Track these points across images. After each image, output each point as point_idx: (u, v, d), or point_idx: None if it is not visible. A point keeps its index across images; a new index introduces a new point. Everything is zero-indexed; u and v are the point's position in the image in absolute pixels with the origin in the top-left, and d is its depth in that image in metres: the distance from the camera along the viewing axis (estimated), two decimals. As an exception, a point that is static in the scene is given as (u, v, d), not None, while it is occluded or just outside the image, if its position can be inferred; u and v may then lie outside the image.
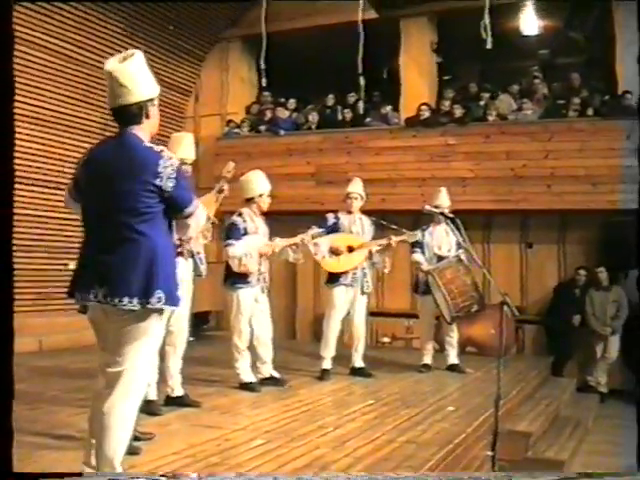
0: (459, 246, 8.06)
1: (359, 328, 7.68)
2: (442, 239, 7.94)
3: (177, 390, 5.92)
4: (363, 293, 7.62)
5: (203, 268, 5.85)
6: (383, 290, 11.48)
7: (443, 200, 8.05)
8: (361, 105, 11.37)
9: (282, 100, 12.58)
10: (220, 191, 5.82)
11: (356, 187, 7.71)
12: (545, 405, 7.67)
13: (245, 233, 6.67)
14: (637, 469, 5.24)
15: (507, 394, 7.08)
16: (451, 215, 7.54)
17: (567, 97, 10.76)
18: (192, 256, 5.74)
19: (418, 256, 8.03)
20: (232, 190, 6.11)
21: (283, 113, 12.12)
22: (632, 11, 10.19)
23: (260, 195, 6.77)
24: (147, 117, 3.60)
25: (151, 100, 3.62)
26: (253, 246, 6.64)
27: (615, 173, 9.83)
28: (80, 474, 3.61)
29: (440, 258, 7.91)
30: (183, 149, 5.50)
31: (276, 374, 7.00)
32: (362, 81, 10.47)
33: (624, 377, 10.05)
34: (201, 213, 3.71)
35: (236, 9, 12.48)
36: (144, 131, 3.61)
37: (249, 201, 6.81)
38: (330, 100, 12.15)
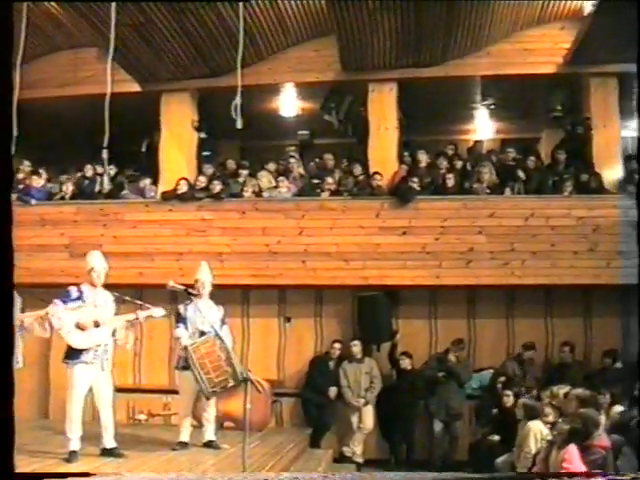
0: (223, 321, 8.08)
1: (105, 407, 7.32)
2: (205, 314, 7.84)
3: None
4: (103, 370, 7.29)
5: None
6: (140, 366, 11.20)
7: (203, 274, 8.09)
8: (106, 178, 11.19)
9: (41, 169, 12.00)
10: None
11: (98, 260, 7.44)
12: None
13: None
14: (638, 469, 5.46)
15: (262, 468, 7.11)
16: (194, 292, 7.72)
17: (321, 177, 11.27)
18: None
19: (179, 331, 7.91)
20: None
21: (38, 182, 11.57)
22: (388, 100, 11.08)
23: None
24: None
25: None
26: None
27: (365, 250, 10.35)
28: (82, 474, 3.82)
29: (203, 333, 7.79)
30: None
31: None
32: (105, 154, 10.21)
33: (380, 446, 10.44)
34: None
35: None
36: None
37: None
38: (88, 171, 11.77)
